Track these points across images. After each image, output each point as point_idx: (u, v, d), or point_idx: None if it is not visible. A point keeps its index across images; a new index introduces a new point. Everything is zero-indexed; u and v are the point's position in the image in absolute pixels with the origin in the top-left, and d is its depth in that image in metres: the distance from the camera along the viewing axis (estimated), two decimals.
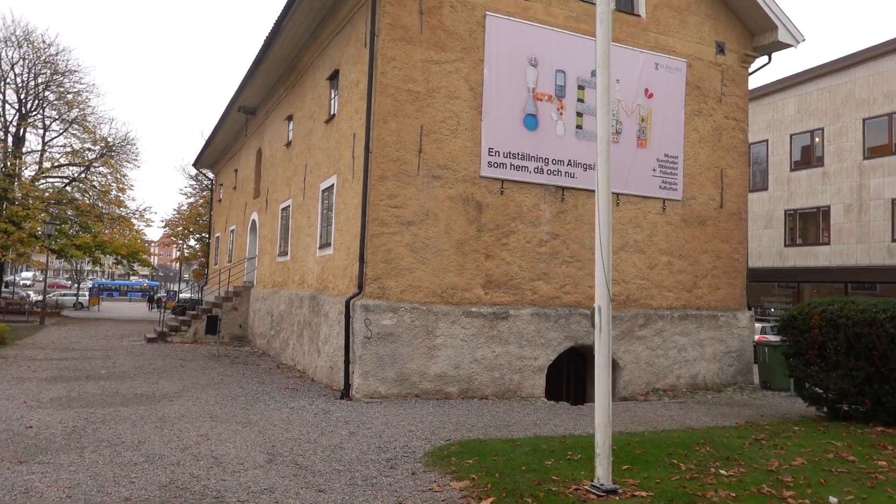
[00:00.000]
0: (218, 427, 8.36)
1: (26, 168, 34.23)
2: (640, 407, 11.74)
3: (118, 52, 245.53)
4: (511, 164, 12.46)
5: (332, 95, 14.41)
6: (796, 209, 27.84)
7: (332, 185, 13.65)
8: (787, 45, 15.01)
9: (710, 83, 14.71)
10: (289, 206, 17.39)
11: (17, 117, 34.12)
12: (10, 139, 33.94)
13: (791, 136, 28.10)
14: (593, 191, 13.44)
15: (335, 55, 14.16)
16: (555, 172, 12.87)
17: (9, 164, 32.33)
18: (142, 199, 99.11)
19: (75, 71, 34.93)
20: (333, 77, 14.29)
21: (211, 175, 38.01)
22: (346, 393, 11.09)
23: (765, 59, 15.60)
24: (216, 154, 29.16)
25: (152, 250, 49.47)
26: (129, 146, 36.56)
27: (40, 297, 47.38)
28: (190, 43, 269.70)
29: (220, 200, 29.86)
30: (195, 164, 32.72)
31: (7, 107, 34.07)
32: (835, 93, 26.40)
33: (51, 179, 35.49)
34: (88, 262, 37.04)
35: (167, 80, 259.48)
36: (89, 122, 35.33)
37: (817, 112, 27.07)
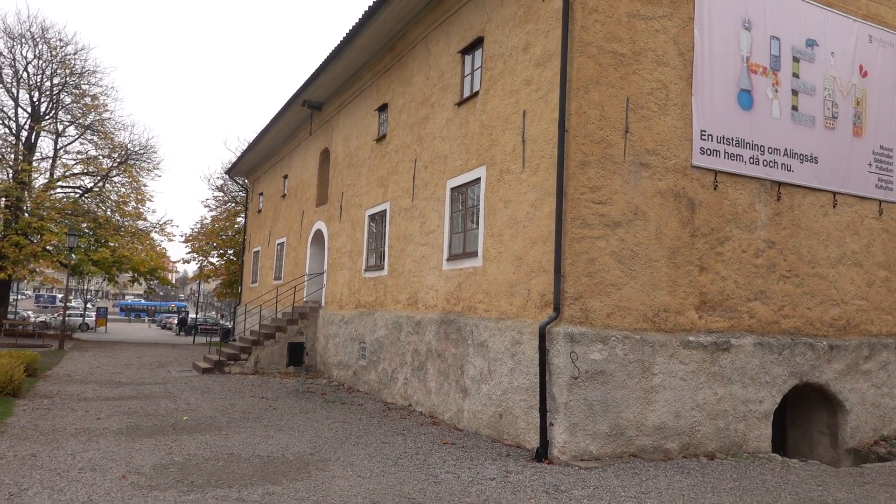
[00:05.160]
0: None
1: (40, 175, 31.20)
2: None
3: (132, 52, 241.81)
4: (725, 152, 9.73)
5: (469, 70, 11.65)
6: None
7: (478, 179, 10.82)
8: None
9: None
10: (384, 210, 14.53)
11: (29, 121, 31.15)
12: (21, 145, 30.91)
13: None
14: (811, 188, 10.70)
15: (472, 21, 11.43)
16: (770, 164, 10.14)
17: (20, 169, 29.26)
18: (162, 212, 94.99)
19: (94, 72, 32.09)
20: (471, 48, 11.54)
21: (239, 186, 35.15)
22: (543, 453, 8.17)
23: None
24: (257, 159, 26.29)
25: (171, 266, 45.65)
26: (150, 153, 33.66)
27: (41, 318, 44.09)
28: (203, 48, 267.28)
29: (259, 211, 26.92)
30: (229, 172, 29.83)
31: (20, 110, 31.12)
32: None
33: (65, 189, 32.42)
34: (104, 279, 33.71)
35: (184, 85, 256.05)
36: (107, 127, 32.41)
37: None
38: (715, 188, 9.60)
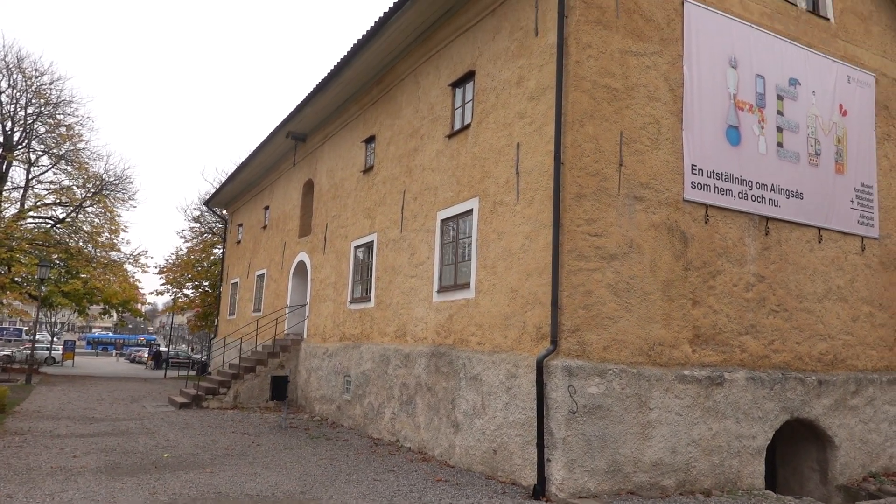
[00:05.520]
0: None
1: (11, 205, 30.46)
2: None
3: (110, 81, 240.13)
4: (715, 187, 9.86)
5: (460, 103, 11.72)
6: None
7: (470, 210, 10.80)
8: None
9: None
10: (371, 242, 14.41)
11: (0, 150, 30.50)
12: None
13: None
14: (798, 223, 10.89)
15: (463, 55, 11.55)
16: (759, 199, 10.30)
17: None
18: (137, 242, 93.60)
19: (70, 101, 31.69)
20: (462, 81, 11.63)
21: (216, 217, 34.74)
22: (540, 490, 7.99)
23: None
24: (237, 190, 26.04)
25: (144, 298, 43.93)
26: (125, 184, 33.14)
27: (5, 352, 42.57)
28: (180, 79, 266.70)
29: (238, 242, 26.57)
30: (208, 203, 29.47)
31: None
32: None
33: (36, 220, 31.66)
34: (75, 312, 32.79)
35: (162, 116, 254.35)
36: (81, 157, 31.88)
37: None
38: (706, 222, 9.69)
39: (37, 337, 60.00)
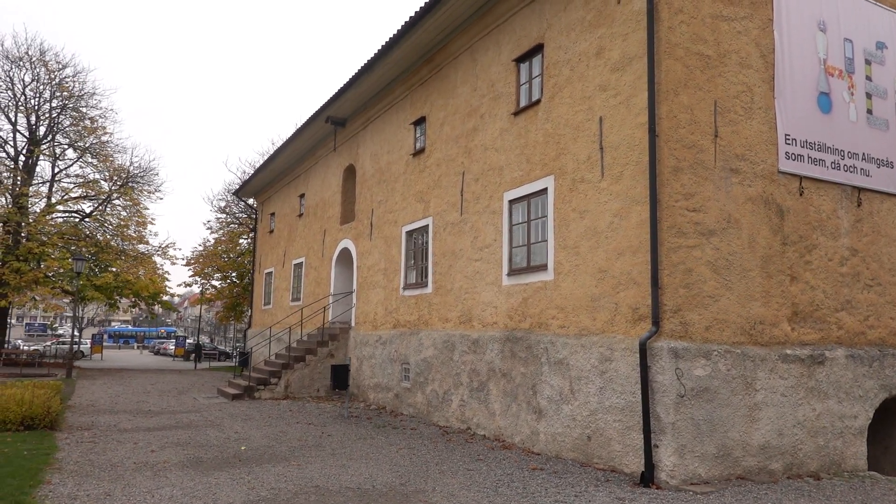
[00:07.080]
0: None
1: (40, 200, 30.29)
2: None
3: (134, 72, 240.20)
4: (808, 157, 9.40)
5: (526, 79, 11.27)
6: None
7: (544, 189, 10.39)
8: None
9: None
10: (425, 226, 14.03)
11: (27, 145, 30.31)
12: (19, 170, 29.94)
13: None
14: (889, 194, 10.46)
15: (529, 28, 11.08)
16: (850, 169, 9.83)
17: (21, 194, 28.36)
18: (165, 235, 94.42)
19: (93, 94, 31.36)
20: (528, 56, 11.17)
21: (244, 206, 34.50)
22: (648, 477, 7.64)
23: None
24: (268, 179, 25.70)
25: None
26: (151, 175, 32.85)
27: (34, 347, 42.75)
28: (202, 70, 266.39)
29: (270, 232, 26.27)
30: (237, 193, 29.16)
31: (18, 134, 30.29)
32: None
33: (63, 214, 31.48)
34: (105, 305, 32.74)
35: (186, 106, 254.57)
36: (107, 150, 31.62)
37: None
38: (801, 194, 9.25)
39: (62, 331, 60.17)
